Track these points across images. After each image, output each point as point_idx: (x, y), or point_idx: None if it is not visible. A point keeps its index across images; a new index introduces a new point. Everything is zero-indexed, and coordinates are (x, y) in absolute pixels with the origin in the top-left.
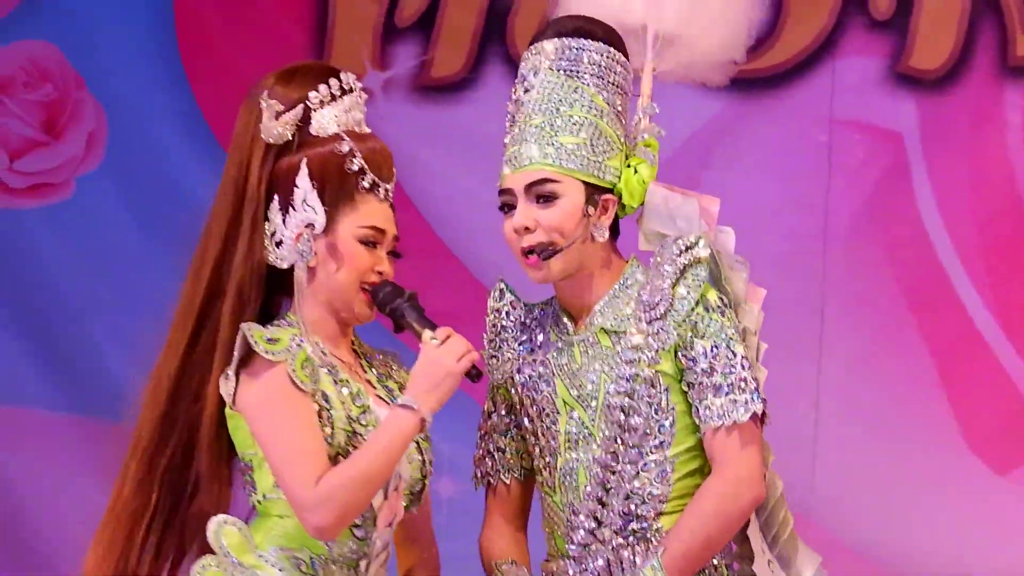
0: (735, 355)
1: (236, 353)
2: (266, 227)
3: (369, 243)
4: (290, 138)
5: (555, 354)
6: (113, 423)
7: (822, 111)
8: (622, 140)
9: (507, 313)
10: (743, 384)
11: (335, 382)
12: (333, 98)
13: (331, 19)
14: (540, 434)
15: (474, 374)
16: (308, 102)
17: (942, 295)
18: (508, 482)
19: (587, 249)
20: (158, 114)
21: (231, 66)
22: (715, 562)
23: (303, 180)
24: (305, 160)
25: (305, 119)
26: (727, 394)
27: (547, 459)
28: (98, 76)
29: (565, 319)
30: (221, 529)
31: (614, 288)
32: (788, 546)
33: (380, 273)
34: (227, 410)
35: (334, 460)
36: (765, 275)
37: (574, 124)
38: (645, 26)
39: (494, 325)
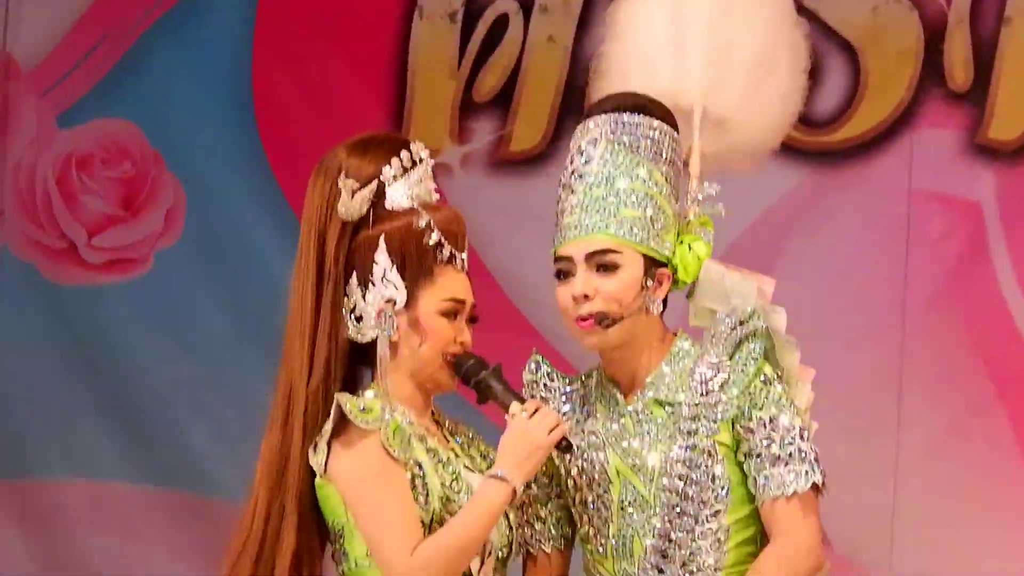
0: (793, 426)
1: (329, 423)
2: (345, 302)
3: (450, 314)
4: (365, 213)
5: (605, 424)
6: (192, 494)
7: (901, 183)
8: (676, 216)
9: (545, 385)
10: (802, 455)
11: (426, 450)
12: (405, 171)
13: (409, 94)
14: (590, 502)
15: (564, 446)
16: (382, 177)
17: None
18: (548, 551)
19: (641, 321)
20: (236, 190)
21: (309, 142)
22: None
23: (382, 256)
24: (383, 236)
25: (379, 194)
26: (786, 464)
27: (598, 527)
28: (176, 153)
29: (614, 390)
30: None
31: (665, 360)
32: None
33: (462, 343)
34: (317, 480)
35: (428, 527)
36: (843, 347)
37: (635, 197)
38: (696, 108)
39: (532, 396)
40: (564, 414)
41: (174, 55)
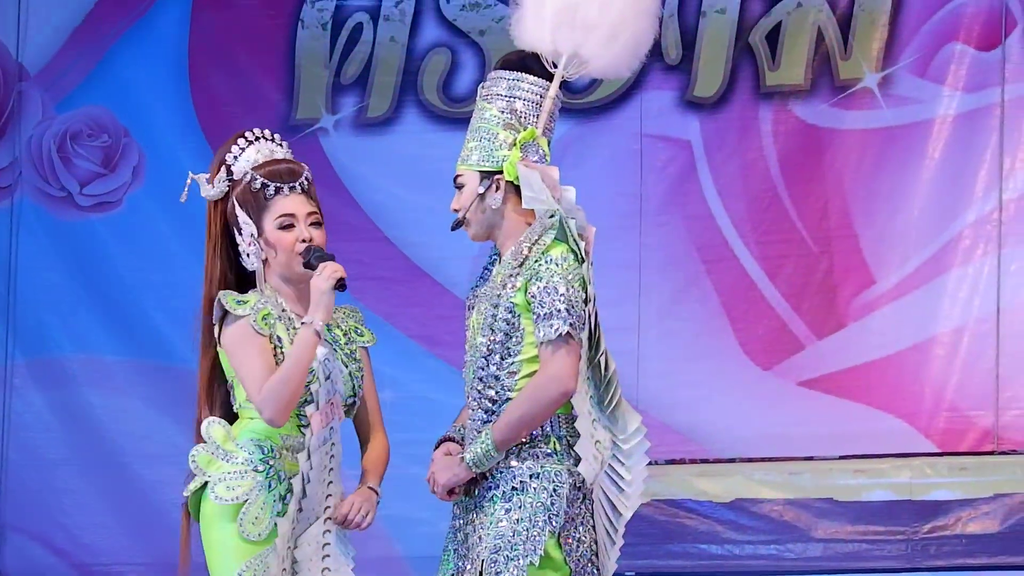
0: (556, 292)
1: (216, 311)
2: (239, 249)
3: (287, 227)
4: (226, 190)
5: (482, 289)
6: (159, 362)
7: (635, 128)
8: (511, 137)
9: (493, 259)
10: (559, 313)
11: (288, 330)
12: (242, 151)
13: (296, 80)
14: (465, 339)
15: (339, 286)
16: (226, 162)
17: (723, 251)
18: None
19: (492, 216)
20: (179, 150)
21: (229, 116)
22: (546, 430)
23: (237, 210)
24: (235, 197)
25: (229, 172)
26: (547, 319)
27: (466, 358)
28: (138, 127)
29: (496, 261)
30: (211, 426)
31: (517, 242)
32: (617, 410)
33: (304, 241)
34: (218, 347)
35: None
36: (598, 243)
37: (474, 133)
38: (559, 60)
39: (484, 267)
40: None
41: (135, 60)
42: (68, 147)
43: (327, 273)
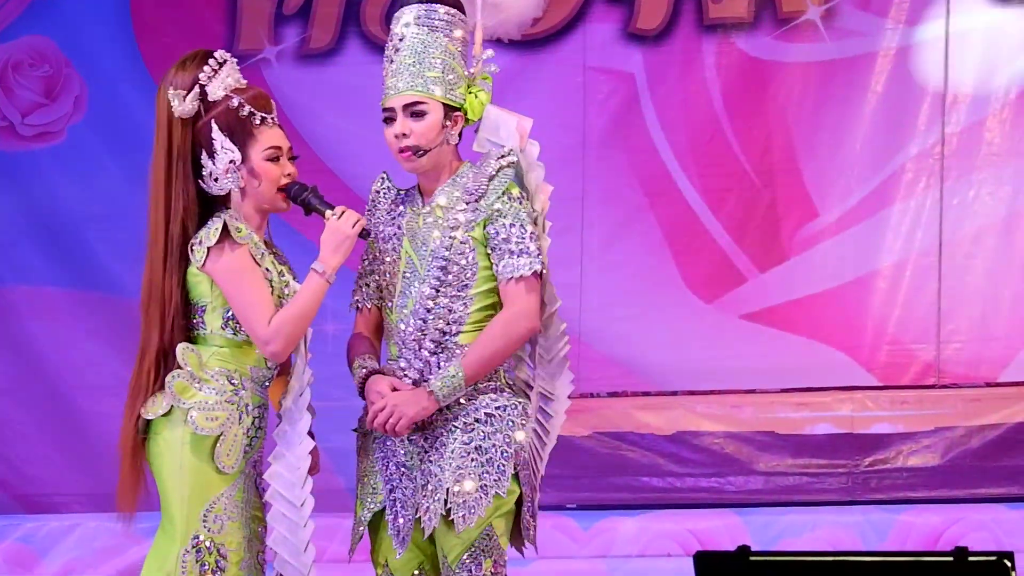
0: (525, 230)
1: (212, 235)
2: (203, 171)
3: (274, 159)
4: (198, 109)
5: (408, 220)
6: (101, 293)
7: (578, 61)
8: (465, 74)
9: (383, 192)
10: (528, 250)
11: (270, 263)
12: (215, 72)
13: (239, 11)
14: (388, 272)
15: (365, 234)
16: (200, 82)
17: (666, 185)
18: (370, 307)
19: (442, 150)
20: (121, 81)
21: (171, 47)
22: (498, 370)
23: (216, 134)
24: (213, 120)
25: (203, 93)
26: (517, 256)
27: (390, 291)
28: (80, 58)
29: (419, 197)
30: (186, 352)
31: (453, 178)
32: (559, 366)
33: (288, 175)
34: (191, 270)
35: None
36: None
37: (434, 63)
38: None
39: (373, 199)
40: (387, 212)
41: None
42: (9, 77)
43: (349, 219)
